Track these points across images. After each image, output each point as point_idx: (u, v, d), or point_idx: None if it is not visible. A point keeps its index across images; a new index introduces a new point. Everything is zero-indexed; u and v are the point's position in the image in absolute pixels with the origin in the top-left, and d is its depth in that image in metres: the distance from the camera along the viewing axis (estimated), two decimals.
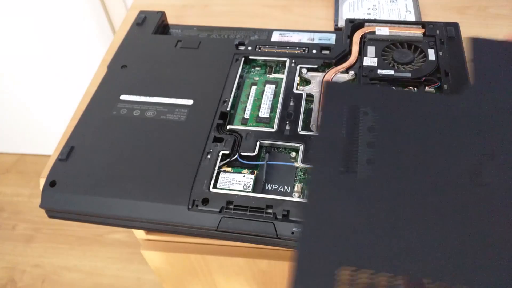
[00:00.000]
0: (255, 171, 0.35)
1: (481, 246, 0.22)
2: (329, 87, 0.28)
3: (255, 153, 0.35)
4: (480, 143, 0.26)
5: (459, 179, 0.24)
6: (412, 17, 0.50)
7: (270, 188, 0.34)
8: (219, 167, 0.35)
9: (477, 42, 0.31)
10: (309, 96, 0.40)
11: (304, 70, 0.42)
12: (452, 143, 0.26)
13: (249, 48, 0.43)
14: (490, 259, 0.22)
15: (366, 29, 0.44)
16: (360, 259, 0.22)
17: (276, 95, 0.41)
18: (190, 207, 0.32)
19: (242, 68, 0.43)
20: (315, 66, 0.42)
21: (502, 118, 0.27)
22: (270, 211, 0.32)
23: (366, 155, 0.25)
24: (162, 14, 0.48)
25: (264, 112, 0.39)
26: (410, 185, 0.24)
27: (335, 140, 0.26)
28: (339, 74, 0.41)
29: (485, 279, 0.21)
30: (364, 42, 0.43)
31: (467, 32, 0.42)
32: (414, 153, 0.26)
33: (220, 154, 0.35)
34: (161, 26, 0.47)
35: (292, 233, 0.31)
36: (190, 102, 0.38)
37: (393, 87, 0.37)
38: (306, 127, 0.37)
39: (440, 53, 0.40)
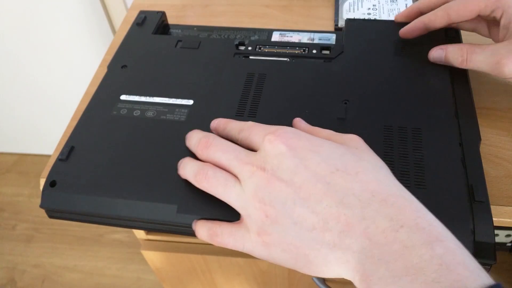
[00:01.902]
0: None
1: None
2: None
3: None
4: (342, 93, 0.37)
5: (327, 116, 0.36)
6: None
7: None
8: None
9: (350, 21, 0.44)
10: None
11: None
12: (324, 93, 0.37)
13: (249, 48, 0.43)
14: None
15: None
16: None
17: None
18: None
19: None
20: None
21: (358, 76, 0.39)
22: None
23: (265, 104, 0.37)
24: (162, 14, 0.48)
25: None
26: (290, 118, 0.35)
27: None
28: None
29: None
30: None
31: (467, 32, 0.42)
32: (297, 100, 0.37)
33: None
34: (161, 26, 0.47)
35: None
36: (190, 102, 0.38)
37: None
38: None
39: None
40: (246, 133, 0.30)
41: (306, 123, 0.34)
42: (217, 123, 0.34)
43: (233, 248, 0.29)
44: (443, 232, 0.24)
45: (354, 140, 0.30)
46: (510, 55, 0.33)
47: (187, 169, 0.31)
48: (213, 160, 0.30)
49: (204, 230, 0.30)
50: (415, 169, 0.32)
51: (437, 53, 0.38)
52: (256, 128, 0.30)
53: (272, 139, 0.28)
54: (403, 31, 0.40)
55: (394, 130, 0.34)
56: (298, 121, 0.34)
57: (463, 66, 0.37)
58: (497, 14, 0.36)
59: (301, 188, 0.26)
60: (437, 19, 0.38)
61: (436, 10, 0.38)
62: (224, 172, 0.29)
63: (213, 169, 0.29)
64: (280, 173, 0.26)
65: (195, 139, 0.32)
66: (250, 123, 0.31)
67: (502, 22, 0.36)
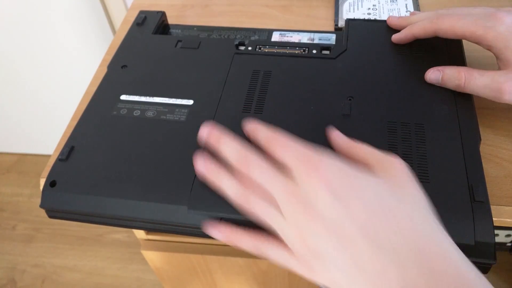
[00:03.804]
0: None
1: None
2: None
3: None
4: (347, 90, 0.38)
5: (332, 112, 0.36)
6: None
7: None
8: None
9: (351, 21, 0.45)
10: None
11: None
12: (329, 90, 0.38)
13: (249, 48, 0.43)
14: None
15: None
16: None
17: None
18: (189, 207, 0.32)
19: None
20: None
21: (361, 73, 0.39)
22: None
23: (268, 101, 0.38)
24: (162, 14, 0.48)
25: None
26: (298, 114, 0.36)
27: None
28: None
29: None
30: None
31: None
32: (301, 97, 0.38)
33: None
34: (161, 26, 0.47)
35: None
36: (190, 102, 0.38)
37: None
38: None
39: None
40: (279, 151, 0.29)
41: (343, 136, 0.32)
42: (248, 128, 0.33)
43: (277, 263, 0.30)
44: (475, 279, 0.24)
45: (396, 167, 0.29)
46: (509, 82, 0.34)
47: (225, 185, 0.31)
48: (251, 178, 0.30)
49: (250, 244, 0.30)
50: (418, 163, 0.32)
51: (434, 75, 0.38)
52: (292, 149, 0.29)
53: (311, 175, 0.27)
54: (395, 38, 0.42)
55: (398, 125, 0.35)
56: (336, 135, 0.33)
57: (460, 90, 0.36)
58: (484, 46, 0.36)
59: (339, 228, 0.26)
60: (426, 34, 0.39)
61: (425, 23, 0.39)
62: (265, 200, 0.29)
63: (254, 195, 0.29)
64: (321, 212, 0.27)
65: (231, 149, 0.31)
66: (281, 138, 0.30)
67: (494, 52, 0.36)
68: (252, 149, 0.30)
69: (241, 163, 0.30)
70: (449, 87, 0.37)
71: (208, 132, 0.33)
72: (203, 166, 0.32)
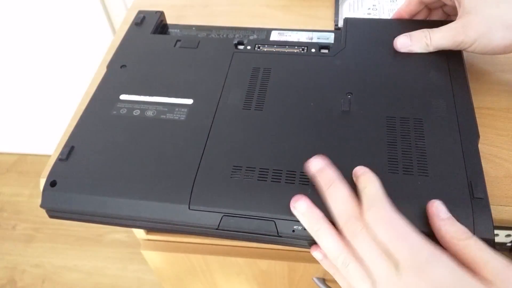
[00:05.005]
0: None
1: (339, 146, 0.34)
2: None
3: None
4: (345, 86, 0.38)
5: (332, 108, 0.37)
6: None
7: None
8: None
9: (349, 20, 0.45)
10: None
11: None
12: (328, 86, 0.38)
13: (248, 47, 0.43)
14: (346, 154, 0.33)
15: None
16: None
17: None
18: (190, 205, 0.32)
19: None
20: None
21: (360, 69, 0.40)
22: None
23: (267, 97, 0.38)
24: (161, 14, 0.48)
25: None
26: (298, 111, 0.37)
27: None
28: None
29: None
30: None
31: None
32: (301, 94, 0.38)
33: None
34: (160, 25, 0.47)
35: (293, 231, 0.31)
36: (190, 101, 0.38)
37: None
38: None
39: None
40: (391, 241, 0.27)
41: (454, 223, 0.28)
42: (361, 183, 0.30)
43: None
44: None
45: None
46: (463, 28, 0.37)
47: (325, 240, 0.29)
48: (354, 249, 0.28)
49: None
50: (418, 157, 0.32)
51: (403, 39, 0.40)
52: (401, 241, 0.27)
53: (416, 274, 0.25)
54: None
55: (397, 121, 0.35)
56: (439, 218, 0.29)
57: (428, 49, 0.39)
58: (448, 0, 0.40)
59: None
60: (413, 9, 0.44)
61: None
62: (362, 272, 0.27)
63: (354, 264, 0.28)
64: None
65: (340, 205, 0.29)
66: (395, 225, 0.27)
67: (456, 1, 0.38)
68: (366, 220, 0.28)
69: (348, 231, 0.28)
70: (418, 49, 0.39)
71: (320, 169, 0.31)
72: (304, 207, 0.30)
